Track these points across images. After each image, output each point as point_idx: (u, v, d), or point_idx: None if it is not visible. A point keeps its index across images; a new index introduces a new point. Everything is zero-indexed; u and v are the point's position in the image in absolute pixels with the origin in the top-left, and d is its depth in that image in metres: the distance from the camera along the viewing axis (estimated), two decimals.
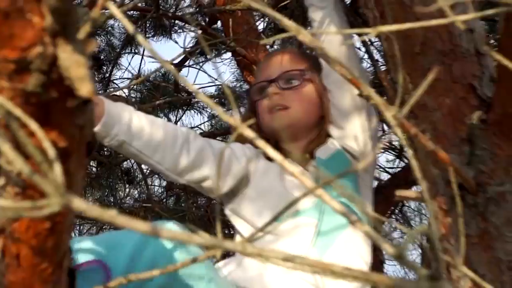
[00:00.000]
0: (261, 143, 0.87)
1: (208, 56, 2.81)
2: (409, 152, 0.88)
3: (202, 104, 3.71)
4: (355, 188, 1.63)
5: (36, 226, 0.86)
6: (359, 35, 2.13)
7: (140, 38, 0.87)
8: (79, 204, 0.61)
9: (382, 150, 3.08)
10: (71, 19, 0.64)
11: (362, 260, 1.58)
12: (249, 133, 0.88)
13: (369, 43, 2.82)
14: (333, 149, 1.72)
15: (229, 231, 3.24)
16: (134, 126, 1.50)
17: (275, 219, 0.94)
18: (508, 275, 1.33)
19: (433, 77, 1.37)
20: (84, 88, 0.68)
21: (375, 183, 2.93)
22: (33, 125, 0.63)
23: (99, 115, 1.44)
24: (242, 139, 1.81)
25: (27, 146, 0.58)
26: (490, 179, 1.35)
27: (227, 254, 2.03)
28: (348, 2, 2.34)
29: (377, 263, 2.57)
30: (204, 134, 3.43)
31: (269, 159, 1.78)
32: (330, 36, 1.64)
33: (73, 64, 0.67)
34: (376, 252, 2.54)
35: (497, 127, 1.32)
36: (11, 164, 0.81)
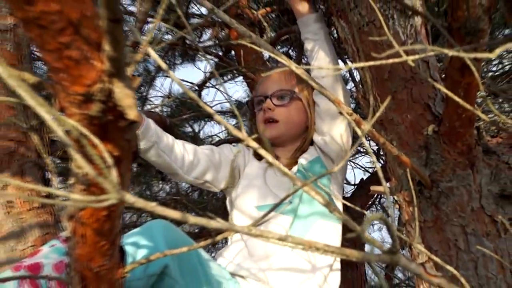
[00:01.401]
0: (262, 152, 0.94)
1: (221, 80, 2.85)
2: (374, 160, 0.94)
3: (221, 115, 3.73)
4: (328, 185, 1.67)
5: (97, 213, 0.91)
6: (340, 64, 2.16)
7: (171, 74, 0.94)
8: (130, 198, 0.68)
9: (363, 154, 3.09)
10: (122, 64, 0.70)
11: (334, 239, 1.62)
12: (254, 145, 0.95)
13: (353, 70, 2.85)
14: (313, 156, 1.74)
15: None
16: (159, 132, 1.56)
17: (271, 211, 0.99)
18: (454, 251, 1.37)
19: (396, 99, 1.43)
20: (132, 113, 0.75)
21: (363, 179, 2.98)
22: (96, 140, 0.70)
23: (141, 123, 1.50)
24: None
25: (93, 156, 0.65)
26: (441, 177, 1.39)
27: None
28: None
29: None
30: (221, 141, 3.44)
31: (258, 159, 1.81)
32: (320, 63, 1.67)
33: (124, 96, 0.74)
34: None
35: (446, 137, 1.36)
36: (79, 168, 0.87)
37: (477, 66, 1.27)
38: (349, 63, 2.45)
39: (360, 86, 1.67)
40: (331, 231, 1.65)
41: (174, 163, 1.59)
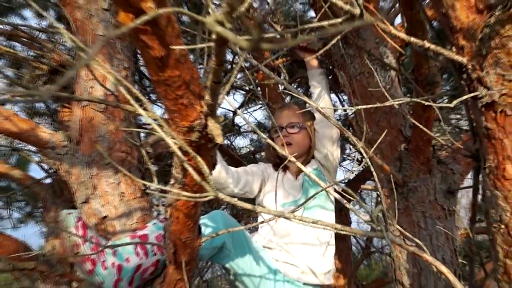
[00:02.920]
0: (299, 164, 0.98)
1: (266, 104, 2.89)
2: (372, 168, 0.98)
3: (247, 133, 3.70)
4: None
5: (188, 203, 0.95)
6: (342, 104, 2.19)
7: (239, 112, 0.99)
8: (221, 195, 0.74)
9: (350, 160, 3.09)
10: (215, 108, 0.76)
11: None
12: (293, 159, 0.99)
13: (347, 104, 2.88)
14: (314, 166, 1.75)
15: None
16: (219, 154, 1.52)
17: (303, 204, 1.02)
18: (417, 229, 1.40)
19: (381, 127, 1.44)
20: (219, 139, 0.80)
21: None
22: (198, 157, 0.76)
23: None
24: (268, 159, 1.85)
25: (201, 167, 0.70)
26: (409, 179, 1.43)
27: None
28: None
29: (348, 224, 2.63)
30: (249, 152, 3.43)
31: (275, 169, 1.78)
32: (322, 103, 1.71)
33: (215, 128, 0.79)
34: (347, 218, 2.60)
35: (413, 152, 1.39)
36: (179, 174, 0.92)
37: (433, 108, 1.31)
38: (345, 104, 2.47)
39: (353, 115, 1.69)
40: (328, 217, 1.68)
41: (228, 178, 1.57)
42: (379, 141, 0.82)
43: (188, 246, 1.07)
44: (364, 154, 1.02)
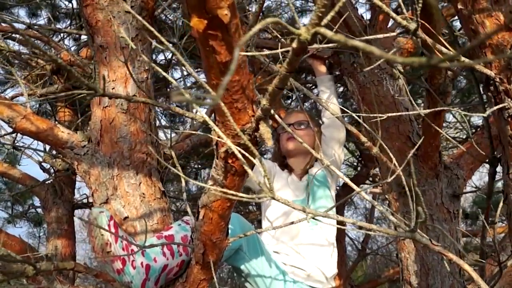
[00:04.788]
0: (316, 154, 1.01)
1: None
2: (401, 173, 1.02)
3: None
4: (329, 189, 1.71)
5: (224, 204, 0.95)
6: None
7: (277, 117, 1.01)
8: (278, 197, 0.76)
9: (348, 164, 3.12)
10: (269, 112, 0.78)
11: (333, 223, 1.63)
12: (326, 161, 1.02)
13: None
14: (318, 168, 1.73)
15: None
16: None
17: (333, 207, 1.05)
18: (425, 231, 1.45)
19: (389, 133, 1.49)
20: (269, 142, 0.82)
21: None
22: (262, 159, 0.78)
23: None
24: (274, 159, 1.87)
25: (264, 169, 0.72)
26: (418, 183, 1.48)
27: None
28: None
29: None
30: None
31: (282, 169, 1.78)
32: (331, 107, 1.72)
33: (266, 132, 0.81)
34: None
35: (421, 158, 1.44)
36: (219, 176, 0.93)
37: (443, 115, 1.37)
38: (353, 113, 2.50)
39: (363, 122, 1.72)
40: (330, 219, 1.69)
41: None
42: (412, 151, 0.85)
43: (217, 247, 1.08)
44: (393, 161, 1.06)
